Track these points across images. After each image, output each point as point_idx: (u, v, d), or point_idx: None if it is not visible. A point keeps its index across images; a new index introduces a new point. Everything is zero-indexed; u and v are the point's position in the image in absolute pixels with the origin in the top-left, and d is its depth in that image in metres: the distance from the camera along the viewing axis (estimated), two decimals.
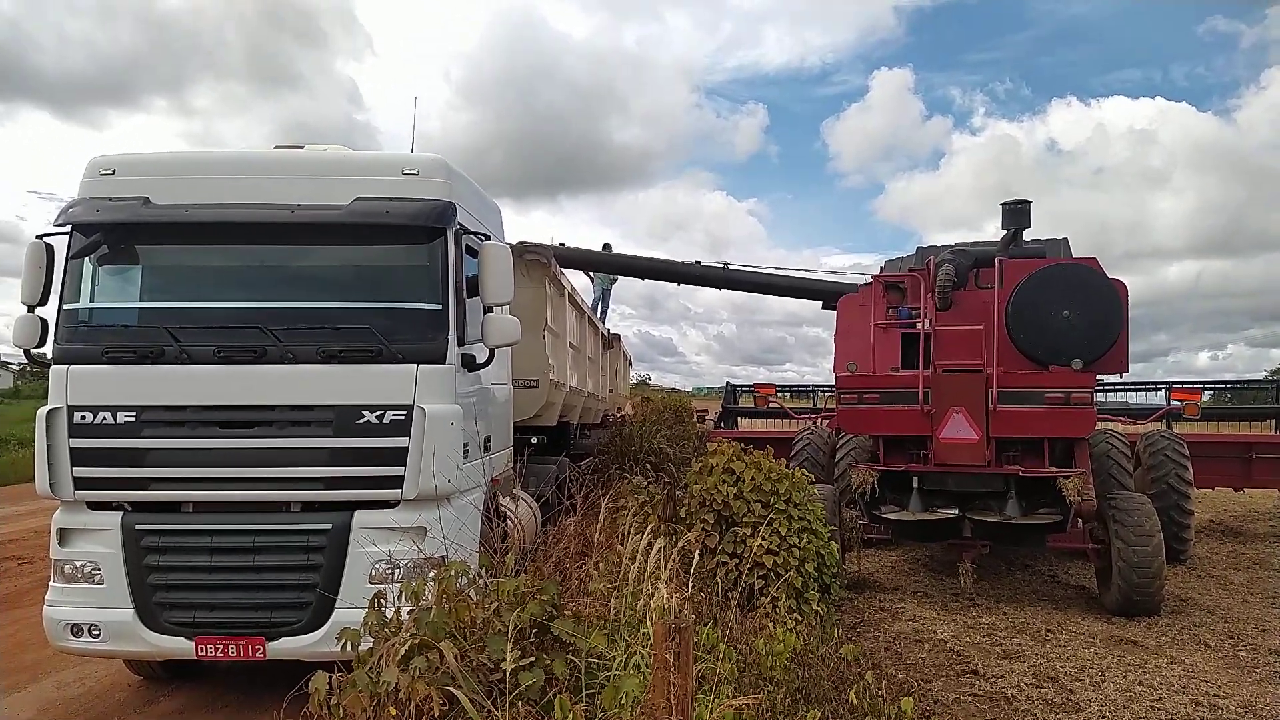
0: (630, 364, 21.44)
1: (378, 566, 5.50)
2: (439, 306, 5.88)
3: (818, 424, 13.44)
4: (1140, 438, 11.58)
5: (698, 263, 14.89)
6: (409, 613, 4.14)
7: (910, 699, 4.53)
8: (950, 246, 11.08)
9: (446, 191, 6.01)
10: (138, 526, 5.65)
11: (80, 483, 5.65)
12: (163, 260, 6.25)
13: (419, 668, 3.66)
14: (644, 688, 3.32)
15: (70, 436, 5.62)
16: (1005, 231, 10.27)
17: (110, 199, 5.83)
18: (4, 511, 14.87)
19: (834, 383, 10.56)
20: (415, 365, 5.70)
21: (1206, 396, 15.55)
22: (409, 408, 5.64)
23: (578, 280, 15.02)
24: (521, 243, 9.58)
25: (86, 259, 5.96)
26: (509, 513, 7.09)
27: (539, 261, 9.26)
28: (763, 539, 7.03)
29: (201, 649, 5.57)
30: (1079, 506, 8.56)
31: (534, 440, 9.62)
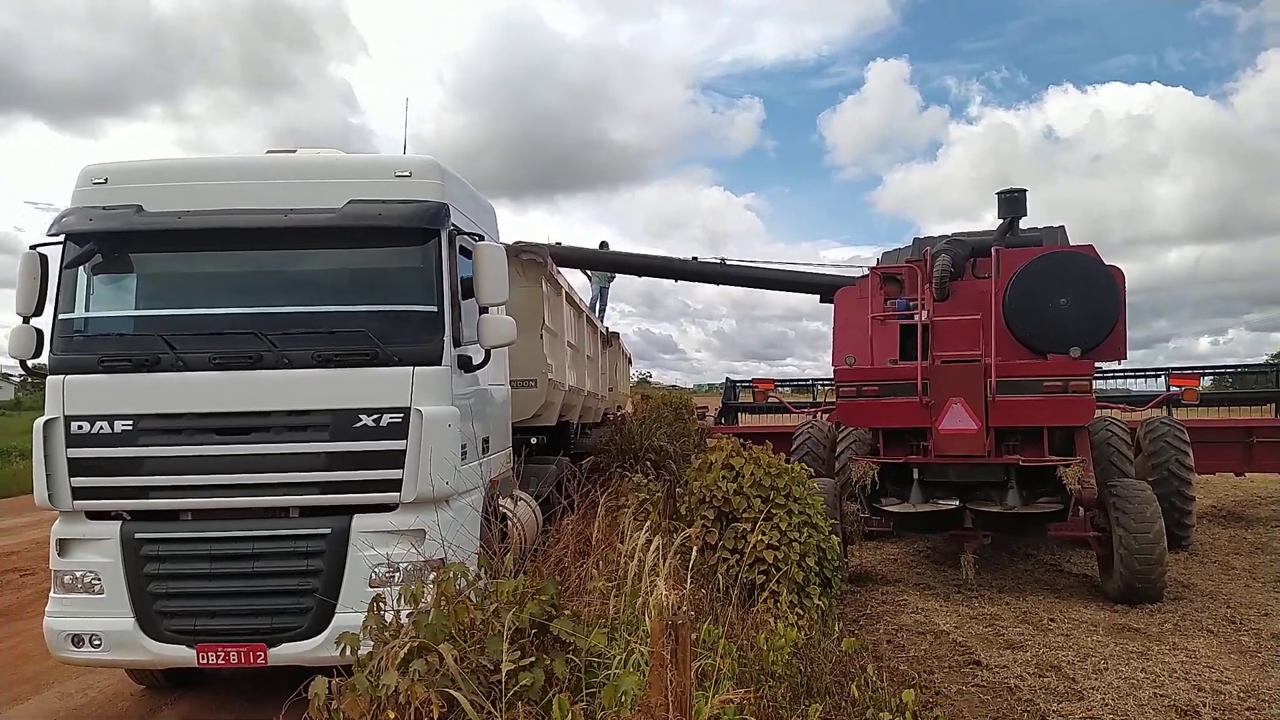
0: (630, 362, 21.45)
1: (377, 570, 5.49)
2: (434, 308, 5.88)
3: (818, 418, 13.44)
4: (1140, 424, 11.57)
5: (695, 259, 14.86)
6: (408, 615, 4.14)
7: (912, 691, 4.52)
8: (947, 237, 11.08)
9: (439, 193, 6.00)
10: (137, 535, 5.64)
11: (78, 493, 5.64)
12: (157, 268, 6.25)
13: (418, 670, 3.66)
14: (643, 685, 3.32)
15: (68, 447, 5.61)
16: (1002, 220, 10.26)
17: (103, 208, 5.82)
18: (6, 523, 14.88)
19: (833, 376, 10.55)
20: (411, 368, 5.70)
21: (1207, 382, 15.53)
22: (406, 410, 5.64)
23: (575, 279, 15.02)
24: (517, 242, 9.58)
25: (81, 268, 5.95)
26: (508, 513, 7.09)
27: (535, 261, 9.25)
28: (763, 534, 7.02)
29: (203, 657, 5.57)
30: (1080, 495, 8.55)
31: (534, 440, 9.62)
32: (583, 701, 3.68)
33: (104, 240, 5.92)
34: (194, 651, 5.57)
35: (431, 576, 4.44)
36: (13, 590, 10.20)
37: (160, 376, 5.66)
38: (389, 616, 4.18)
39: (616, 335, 16.85)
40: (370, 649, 4.01)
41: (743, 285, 15.53)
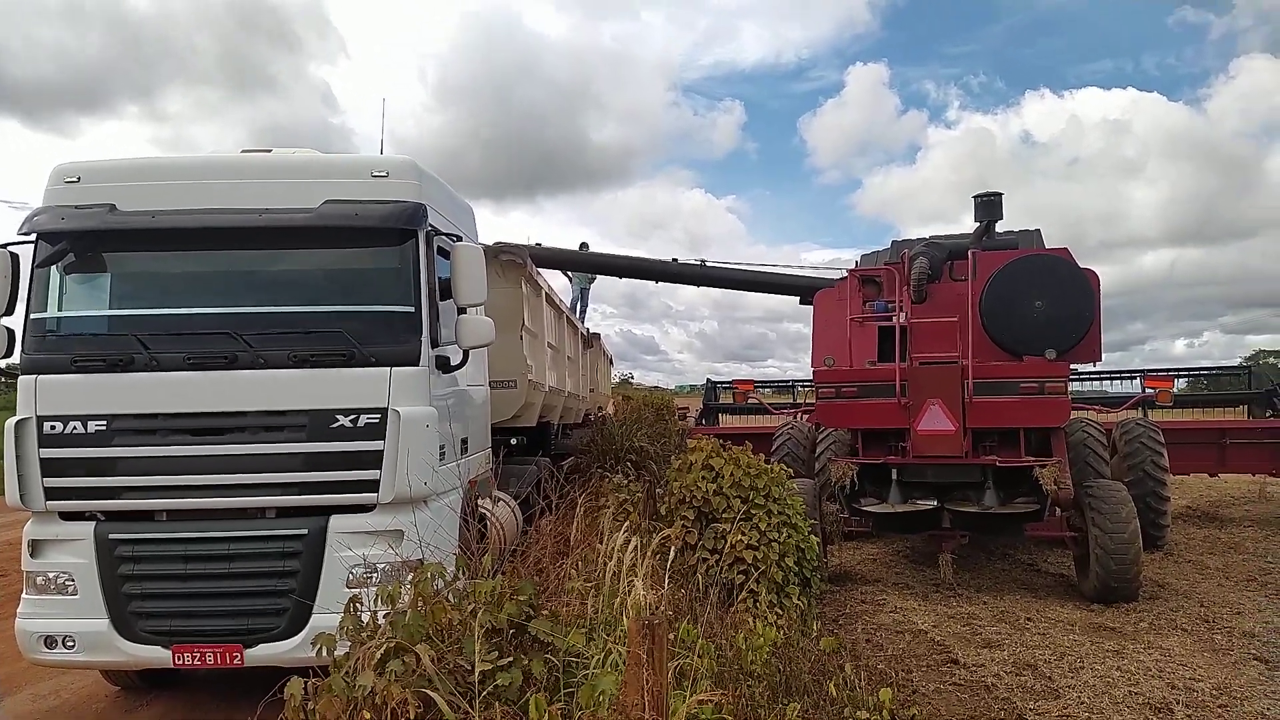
0: (611, 363, 21.46)
1: (355, 571, 5.45)
2: (411, 309, 5.85)
3: (798, 419, 13.49)
4: (1116, 426, 11.68)
5: (675, 260, 14.89)
6: (385, 616, 4.12)
7: (889, 689, 4.56)
8: (925, 239, 11.15)
9: (416, 193, 5.98)
10: (111, 536, 5.59)
11: (51, 493, 5.58)
12: (130, 267, 6.19)
13: (395, 671, 3.64)
14: (620, 685, 3.32)
15: (40, 447, 5.55)
16: (979, 224, 10.34)
17: (75, 206, 5.76)
18: None
19: (812, 377, 10.60)
20: (388, 368, 5.67)
21: (1182, 384, 15.73)
22: (383, 411, 5.61)
23: (556, 281, 15.02)
24: (497, 243, 9.56)
25: (53, 267, 5.89)
26: (487, 514, 7.07)
27: (514, 262, 9.25)
28: (742, 534, 7.04)
29: (179, 657, 5.52)
30: (1056, 495, 8.62)
31: (514, 441, 9.59)
32: (560, 701, 3.68)
33: (76, 239, 5.86)
34: (169, 652, 5.52)
35: (409, 577, 4.42)
36: None
37: (134, 376, 5.60)
38: (366, 617, 4.16)
39: (598, 336, 16.86)
40: (347, 649, 3.99)
41: (723, 287, 15.58)
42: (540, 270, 10.89)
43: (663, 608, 4.41)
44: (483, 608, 3.96)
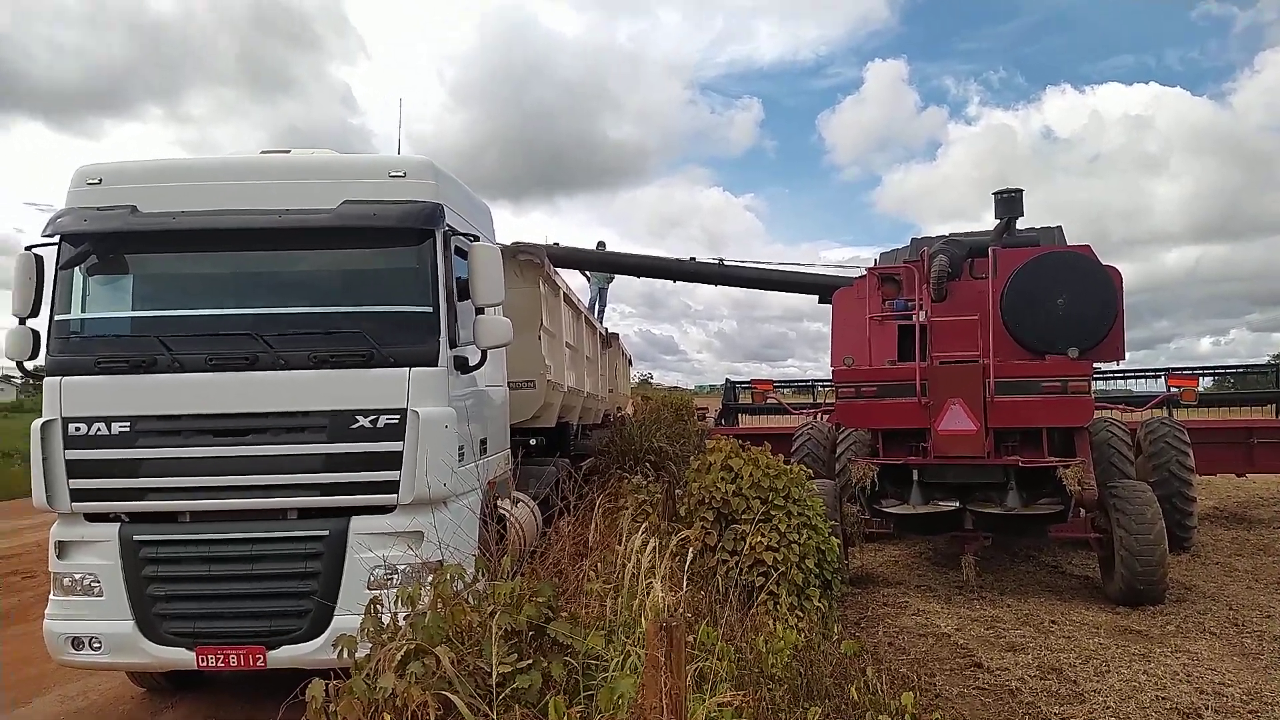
0: (630, 363, 21.42)
1: (375, 572, 5.47)
2: (429, 309, 5.86)
3: (817, 419, 13.43)
4: (1140, 425, 11.55)
5: (693, 259, 14.87)
6: (405, 618, 4.12)
7: (911, 693, 4.50)
8: (944, 237, 11.07)
9: (433, 193, 5.99)
10: (135, 537, 5.62)
11: (77, 495, 5.63)
12: (152, 268, 6.23)
13: (415, 673, 3.64)
14: (638, 688, 3.30)
15: (65, 448, 5.60)
16: (999, 221, 10.25)
17: (98, 208, 5.80)
18: (7, 526, 14.85)
19: (832, 377, 10.54)
20: (407, 369, 5.68)
21: (1208, 382, 15.51)
22: (402, 412, 5.62)
23: (574, 280, 15.02)
24: (515, 243, 9.56)
25: (76, 269, 5.94)
26: (507, 515, 7.07)
27: (532, 262, 9.23)
28: (762, 535, 7.01)
29: (202, 659, 5.55)
30: (1080, 496, 8.53)
31: (533, 441, 9.59)
32: (580, 704, 3.66)
33: (99, 241, 5.91)
34: (193, 654, 5.55)
35: (429, 578, 4.41)
36: (14, 593, 10.17)
37: (157, 378, 5.64)
38: (386, 619, 4.16)
39: (616, 336, 16.83)
40: (368, 651, 4.00)
41: (741, 285, 15.55)
42: (558, 270, 10.88)
43: (681, 610, 4.38)
44: (502, 609, 3.96)
